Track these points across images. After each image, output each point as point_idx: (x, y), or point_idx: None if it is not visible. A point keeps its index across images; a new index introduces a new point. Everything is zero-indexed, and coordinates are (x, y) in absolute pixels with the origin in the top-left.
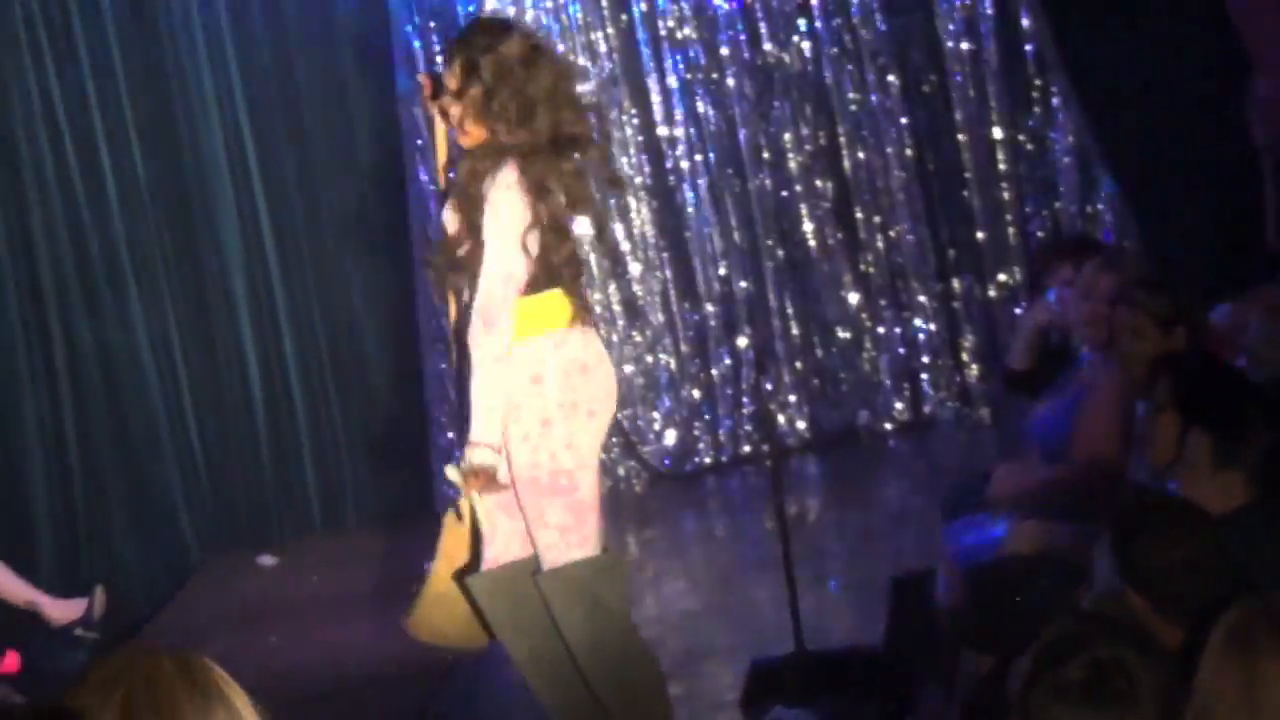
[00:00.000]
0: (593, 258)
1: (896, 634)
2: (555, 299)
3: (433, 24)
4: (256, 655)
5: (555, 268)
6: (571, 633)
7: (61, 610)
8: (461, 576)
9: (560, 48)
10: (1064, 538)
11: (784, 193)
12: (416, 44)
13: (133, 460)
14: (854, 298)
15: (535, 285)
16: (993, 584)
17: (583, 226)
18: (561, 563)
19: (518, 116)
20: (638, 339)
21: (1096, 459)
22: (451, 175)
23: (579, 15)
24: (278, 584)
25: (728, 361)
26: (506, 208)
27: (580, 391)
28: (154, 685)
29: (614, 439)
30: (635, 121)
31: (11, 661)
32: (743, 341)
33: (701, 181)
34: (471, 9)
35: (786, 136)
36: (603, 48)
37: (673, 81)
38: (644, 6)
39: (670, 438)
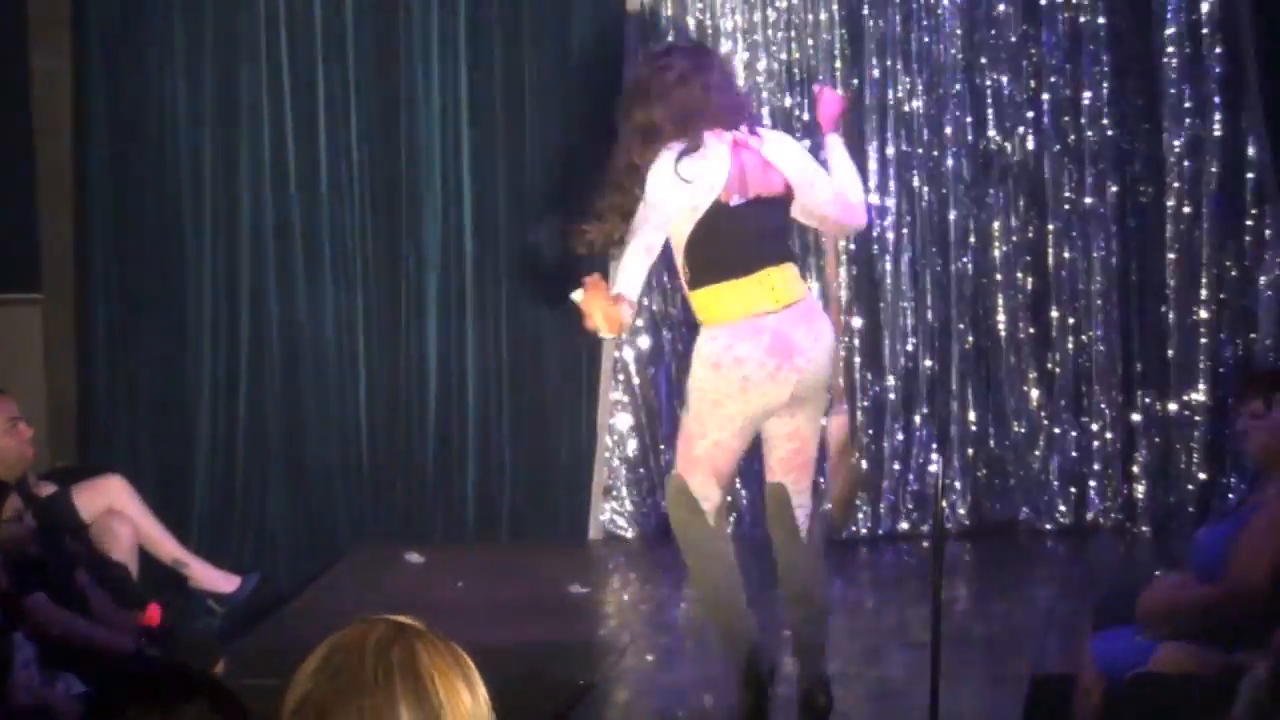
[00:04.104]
0: None
1: None
2: (715, 294)
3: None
4: None
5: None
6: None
7: (210, 577)
8: None
9: (788, 100)
10: (1211, 662)
11: (983, 279)
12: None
13: (298, 440)
14: (1035, 394)
15: (699, 278)
16: (1133, 699)
17: None
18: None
19: None
20: None
21: (1250, 585)
22: None
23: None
24: (422, 583)
25: (900, 437)
26: None
27: (706, 383)
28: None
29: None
30: None
31: (154, 614)
32: (918, 419)
33: (904, 255)
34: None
35: (995, 224)
36: None
37: (891, 151)
38: (877, 73)
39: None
